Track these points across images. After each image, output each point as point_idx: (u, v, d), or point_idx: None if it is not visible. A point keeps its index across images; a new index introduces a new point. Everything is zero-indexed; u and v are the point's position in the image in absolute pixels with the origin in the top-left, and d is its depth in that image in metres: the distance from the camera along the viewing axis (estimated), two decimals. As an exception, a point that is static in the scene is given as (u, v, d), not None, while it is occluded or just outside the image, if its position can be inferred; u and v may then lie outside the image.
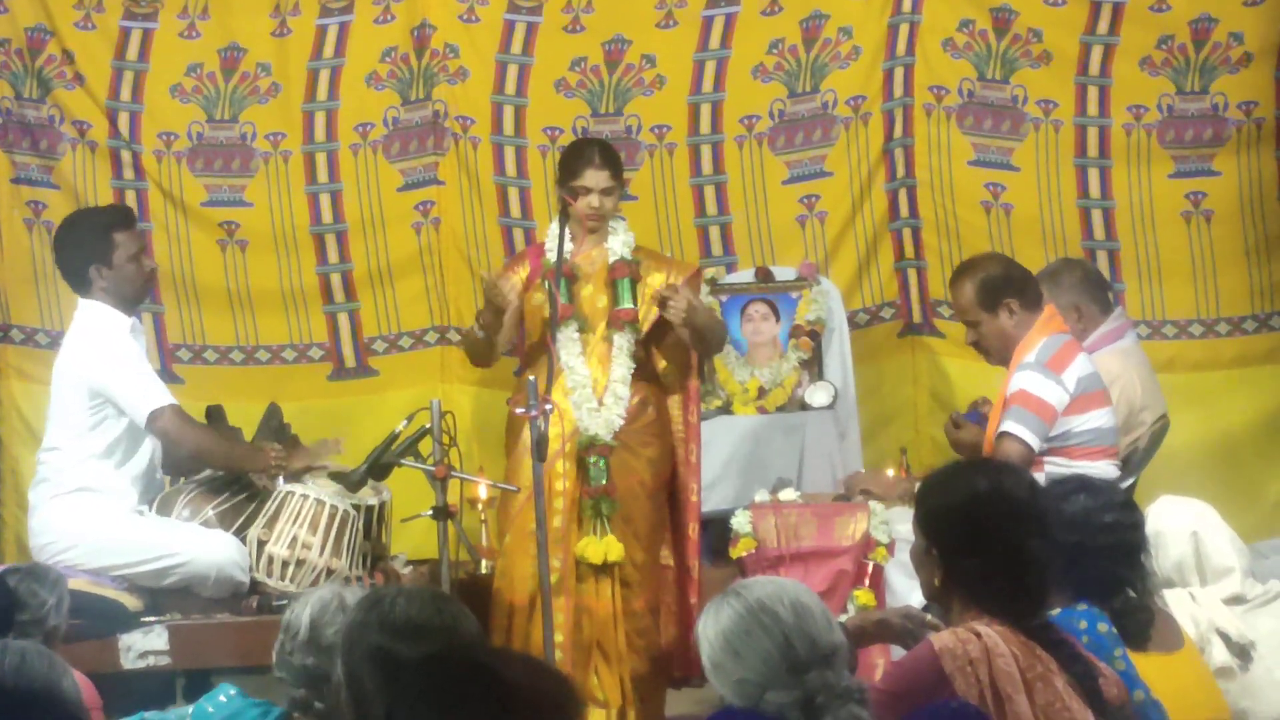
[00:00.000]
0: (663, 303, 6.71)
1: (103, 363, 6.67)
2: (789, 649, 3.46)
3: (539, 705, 2.92)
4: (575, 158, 6.91)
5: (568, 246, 6.83)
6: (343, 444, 7.00)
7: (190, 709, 4.20)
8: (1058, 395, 6.48)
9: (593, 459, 6.75)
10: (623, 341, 6.86)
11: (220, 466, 6.86)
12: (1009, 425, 6.47)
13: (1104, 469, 6.41)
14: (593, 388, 6.81)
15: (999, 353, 6.68)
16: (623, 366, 6.84)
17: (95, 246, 6.77)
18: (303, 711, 4.04)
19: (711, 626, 3.54)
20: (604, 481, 6.74)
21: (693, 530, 6.94)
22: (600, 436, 6.76)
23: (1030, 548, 3.96)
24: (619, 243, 6.92)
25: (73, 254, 6.82)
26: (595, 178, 6.82)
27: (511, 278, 6.98)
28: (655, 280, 6.92)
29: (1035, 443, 6.44)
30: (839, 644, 3.51)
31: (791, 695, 3.44)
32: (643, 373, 6.91)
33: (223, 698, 4.18)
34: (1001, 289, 6.61)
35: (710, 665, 3.54)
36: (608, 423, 6.77)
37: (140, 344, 6.85)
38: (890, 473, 7.32)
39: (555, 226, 6.82)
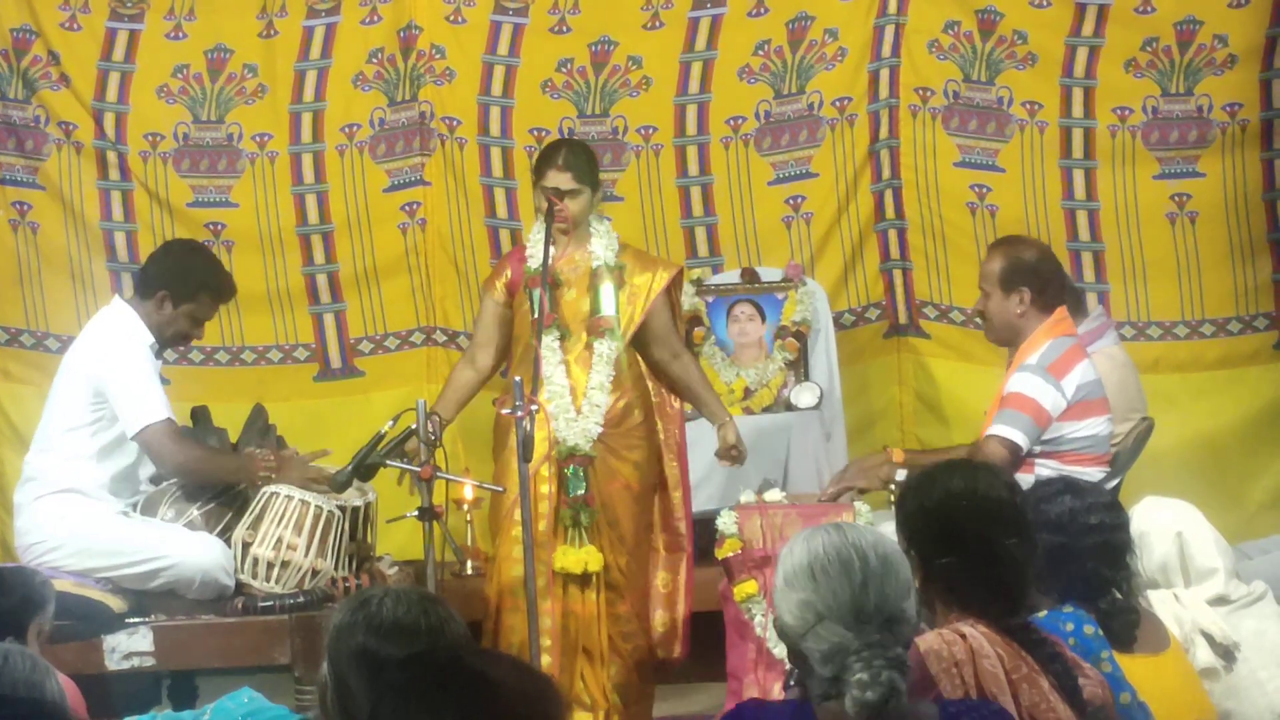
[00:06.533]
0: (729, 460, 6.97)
1: (111, 364, 6.65)
2: (862, 593, 3.44)
3: (524, 706, 2.92)
4: (542, 159, 6.88)
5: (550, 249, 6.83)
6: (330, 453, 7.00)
7: (210, 707, 4.19)
8: (1053, 400, 6.48)
9: (570, 469, 6.74)
10: (603, 349, 6.82)
11: (208, 482, 6.83)
12: (996, 428, 6.49)
13: (1093, 475, 6.41)
14: (571, 396, 6.77)
15: (996, 331, 6.74)
16: (601, 374, 6.79)
17: (184, 285, 6.76)
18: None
19: (800, 548, 3.52)
20: (581, 491, 6.72)
21: (677, 500, 6.98)
22: (580, 447, 6.74)
23: (1006, 546, 3.96)
24: (601, 246, 6.88)
25: (163, 270, 6.82)
26: (556, 178, 6.75)
27: (493, 292, 6.98)
28: (640, 280, 6.90)
29: (1024, 443, 6.45)
30: (907, 615, 3.48)
31: (841, 637, 3.43)
32: (628, 376, 6.89)
33: (245, 698, 4.19)
34: (1024, 276, 6.63)
35: (782, 582, 3.52)
36: (585, 432, 6.74)
37: (155, 361, 6.82)
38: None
39: (537, 229, 6.82)
